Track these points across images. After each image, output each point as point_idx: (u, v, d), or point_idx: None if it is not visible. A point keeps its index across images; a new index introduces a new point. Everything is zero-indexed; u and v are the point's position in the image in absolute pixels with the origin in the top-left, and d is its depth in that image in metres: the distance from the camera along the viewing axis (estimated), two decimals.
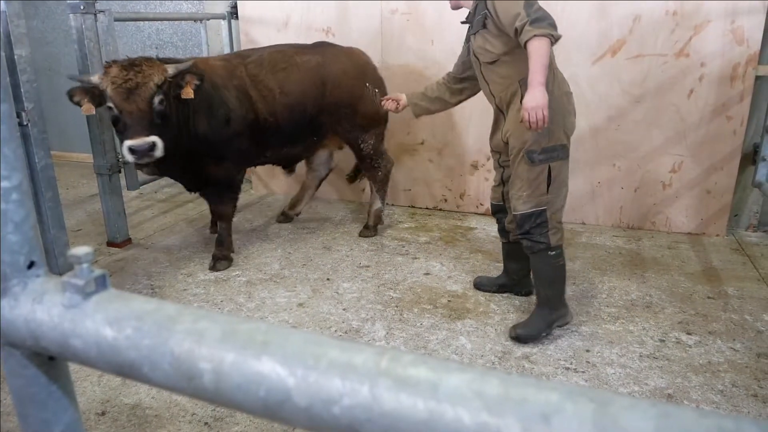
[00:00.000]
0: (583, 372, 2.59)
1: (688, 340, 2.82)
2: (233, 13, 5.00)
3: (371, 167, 4.16)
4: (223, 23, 4.99)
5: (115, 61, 3.13)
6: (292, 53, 3.83)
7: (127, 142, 2.97)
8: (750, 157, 4.10)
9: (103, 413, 2.36)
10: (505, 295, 3.28)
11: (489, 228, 4.34)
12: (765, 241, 4.08)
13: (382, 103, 3.31)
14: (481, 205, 4.66)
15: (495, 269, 3.60)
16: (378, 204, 4.23)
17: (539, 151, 2.63)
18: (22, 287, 0.62)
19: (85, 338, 0.58)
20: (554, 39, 2.46)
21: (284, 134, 3.77)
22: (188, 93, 3.16)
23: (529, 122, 2.47)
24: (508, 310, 3.12)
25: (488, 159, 4.50)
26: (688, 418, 0.43)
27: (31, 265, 0.62)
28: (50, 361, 0.66)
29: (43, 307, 0.60)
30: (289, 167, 4.28)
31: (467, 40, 2.95)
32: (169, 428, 2.26)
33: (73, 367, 0.70)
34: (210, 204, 3.86)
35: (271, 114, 3.65)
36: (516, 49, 2.59)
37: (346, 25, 4.63)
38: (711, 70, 3.86)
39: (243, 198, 5.15)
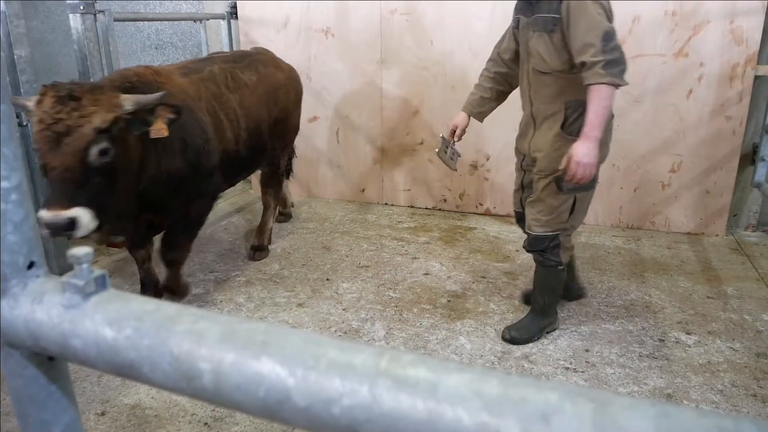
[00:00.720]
0: (582, 372, 2.59)
1: (687, 340, 2.82)
2: (233, 13, 5.00)
3: (279, 181, 4.07)
4: (223, 23, 4.99)
5: (54, 85, 2.25)
6: (231, 69, 3.31)
7: (40, 212, 2.14)
8: (749, 157, 4.10)
9: (102, 413, 2.36)
10: (504, 294, 3.28)
11: (489, 228, 4.34)
12: (764, 241, 4.08)
13: (457, 140, 2.91)
14: (481, 205, 4.66)
15: (494, 269, 3.60)
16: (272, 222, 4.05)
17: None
18: (22, 287, 0.62)
19: (85, 338, 0.58)
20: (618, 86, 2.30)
21: (246, 160, 3.38)
22: (160, 131, 2.42)
23: (573, 175, 2.35)
24: (508, 309, 3.12)
25: (488, 159, 4.50)
26: (688, 418, 0.43)
27: (30, 265, 0.62)
28: (50, 361, 0.66)
29: (43, 308, 0.60)
30: None
31: (516, 21, 2.63)
32: (168, 428, 2.26)
33: (72, 367, 0.70)
34: (165, 245, 3.03)
35: (236, 140, 3.18)
36: (575, 70, 2.39)
37: (345, 25, 4.63)
38: (710, 70, 3.87)
39: (243, 198, 5.16)
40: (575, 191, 2.56)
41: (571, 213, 2.62)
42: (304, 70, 4.68)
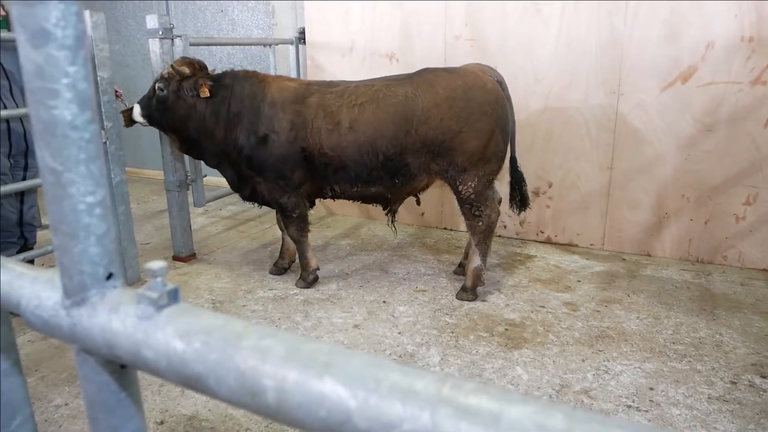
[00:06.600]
0: (646, 411, 2.48)
1: (762, 384, 2.65)
2: (301, 38, 5.15)
3: None
4: (291, 48, 5.15)
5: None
6: None
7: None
8: None
9: (161, 422, 2.42)
10: (564, 325, 3.19)
11: (549, 257, 4.25)
12: None
13: None
14: (542, 232, 4.57)
15: (554, 299, 3.51)
16: (477, 261, 3.52)
17: None
18: (100, 297, 0.65)
19: (156, 349, 0.60)
20: None
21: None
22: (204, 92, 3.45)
23: None
24: (567, 342, 3.03)
25: (550, 186, 4.42)
26: None
27: (109, 276, 0.66)
28: (122, 369, 0.68)
29: (119, 317, 0.63)
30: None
31: None
32: None
33: None
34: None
35: None
36: None
37: (409, 50, 4.68)
38: None
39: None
40: None
41: None
42: None
